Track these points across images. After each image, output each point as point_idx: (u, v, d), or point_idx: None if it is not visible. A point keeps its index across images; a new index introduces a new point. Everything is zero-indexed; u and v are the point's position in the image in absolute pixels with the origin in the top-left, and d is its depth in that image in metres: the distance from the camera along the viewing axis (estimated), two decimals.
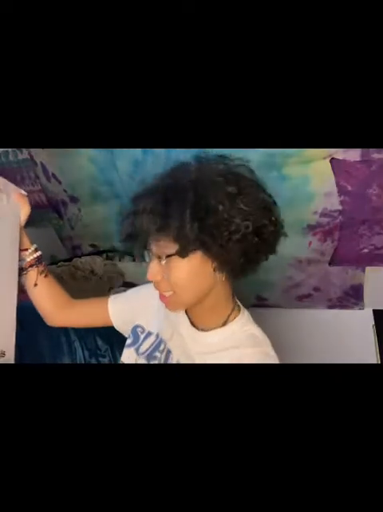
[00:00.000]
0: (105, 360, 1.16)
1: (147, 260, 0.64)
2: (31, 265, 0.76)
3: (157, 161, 1.34)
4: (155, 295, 0.68)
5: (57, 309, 0.81)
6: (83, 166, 1.36)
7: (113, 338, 1.12)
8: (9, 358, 0.69)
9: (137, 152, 1.32)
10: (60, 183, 1.51)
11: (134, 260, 1.61)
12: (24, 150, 1.37)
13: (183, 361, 0.68)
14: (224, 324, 0.67)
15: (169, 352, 0.71)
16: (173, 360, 0.69)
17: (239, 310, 0.69)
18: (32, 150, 1.35)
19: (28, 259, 0.76)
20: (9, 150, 1.38)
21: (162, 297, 0.64)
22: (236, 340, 0.65)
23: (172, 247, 0.57)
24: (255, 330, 0.67)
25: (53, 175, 1.39)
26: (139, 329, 0.76)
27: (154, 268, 0.61)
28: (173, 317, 0.72)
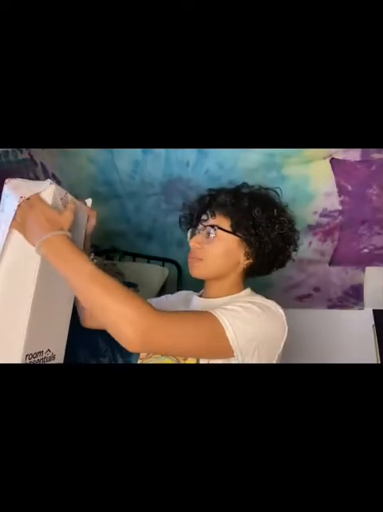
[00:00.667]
0: (105, 360, 1.16)
1: (188, 238, 0.81)
2: None
3: (157, 161, 1.34)
4: (180, 298, 0.88)
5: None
6: (83, 166, 1.36)
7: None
8: (60, 360, 0.72)
9: (137, 152, 1.32)
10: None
11: (134, 260, 1.61)
12: (24, 150, 1.37)
13: None
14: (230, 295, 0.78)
15: None
16: None
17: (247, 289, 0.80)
18: (32, 150, 1.35)
19: None
20: (9, 150, 1.38)
21: (192, 260, 0.77)
22: (237, 298, 0.75)
23: (226, 223, 0.75)
24: (260, 298, 0.73)
25: (53, 175, 1.39)
26: None
27: (199, 237, 0.78)
28: (190, 307, 0.83)
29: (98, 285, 0.58)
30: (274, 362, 0.68)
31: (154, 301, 0.91)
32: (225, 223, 0.76)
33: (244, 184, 0.82)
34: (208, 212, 0.78)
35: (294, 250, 0.81)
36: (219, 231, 0.75)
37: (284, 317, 0.70)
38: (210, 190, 0.83)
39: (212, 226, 0.76)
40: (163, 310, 0.60)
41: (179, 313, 0.65)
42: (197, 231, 0.80)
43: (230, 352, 0.61)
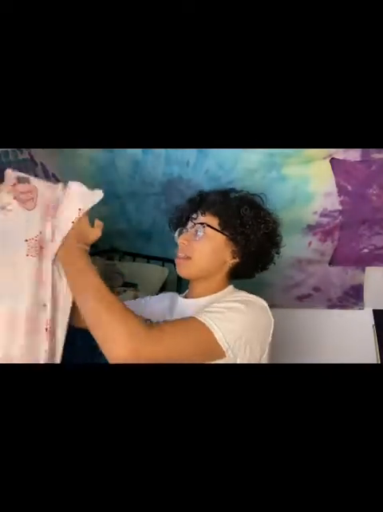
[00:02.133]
0: (105, 360, 1.16)
1: (176, 239, 0.82)
2: None
3: (157, 161, 1.34)
4: (164, 300, 0.87)
5: None
6: (83, 166, 1.36)
7: None
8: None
9: (137, 152, 1.32)
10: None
11: (134, 260, 1.61)
12: (24, 150, 1.37)
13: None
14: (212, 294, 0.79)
15: None
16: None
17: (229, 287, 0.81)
18: (32, 150, 1.35)
19: None
20: (9, 150, 1.38)
21: (179, 259, 0.78)
22: (220, 297, 0.76)
23: (214, 222, 0.77)
24: (242, 294, 0.74)
25: (53, 175, 1.39)
26: (147, 322, 0.84)
27: (187, 235, 0.79)
28: (175, 310, 0.83)
29: (100, 300, 0.59)
30: (266, 352, 0.69)
31: (133, 303, 0.91)
32: (213, 222, 0.78)
33: (232, 189, 0.84)
34: (198, 211, 0.80)
35: (277, 253, 0.84)
36: (208, 229, 0.77)
37: (267, 307, 0.71)
38: (200, 192, 0.86)
39: (202, 224, 0.77)
40: (153, 323, 0.61)
41: (167, 324, 0.65)
42: (185, 230, 0.82)
43: (222, 354, 0.62)
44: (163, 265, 1.61)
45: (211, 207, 0.79)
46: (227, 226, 0.77)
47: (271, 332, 0.70)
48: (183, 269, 0.79)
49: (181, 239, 0.79)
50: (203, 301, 0.77)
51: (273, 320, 0.71)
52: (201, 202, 0.82)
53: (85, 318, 0.60)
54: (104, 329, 0.56)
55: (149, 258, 1.63)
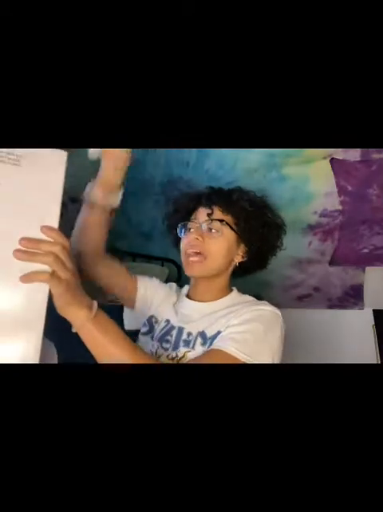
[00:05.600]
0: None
1: (180, 234, 0.79)
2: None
3: (157, 161, 1.35)
4: (170, 296, 0.85)
5: (97, 252, 0.79)
6: (83, 166, 1.36)
7: None
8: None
9: (137, 152, 1.32)
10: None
11: (134, 260, 1.61)
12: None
13: (189, 330, 0.73)
14: (219, 299, 0.77)
15: (181, 328, 0.75)
16: (184, 334, 0.74)
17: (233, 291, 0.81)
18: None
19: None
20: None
21: (191, 257, 0.74)
22: (231, 301, 0.76)
23: (231, 220, 0.75)
24: (254, 306, 0.72)
25: None
26: (153, 319, 0.82)
27: (200, 231, 0.74)
28: (180, 310, 0.81)
29: (122, 349, 0.57)
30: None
31: (148, 280, 0.88)
32: (230, 220, 0.75)
33: (239, 188, 0.82)
34: (214, 207, 0.75)
35: (274, 255, 0.84)
36: (225, 227, 0.74)
37: (280, 316, 0.70)
38: (209, 187, 0.82)
39: (220, 221, 0.74)
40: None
41: (199, 362, 0.63)
42: (195, 225, 0.75)
43: None
44: (163, 265, 1.61)
45: (229, 205, 0.76)
46: (247, 228, 0.75)
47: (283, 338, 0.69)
48: (197, 269, 0.74)
49: (193, 235, 0.73)
50: (209, 307, 0.76)
51: (284, 326, 0.69)
52: (214, 197, 0.77)
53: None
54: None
55: (149, 258, 1.63)
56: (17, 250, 0.48)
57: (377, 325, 1.78)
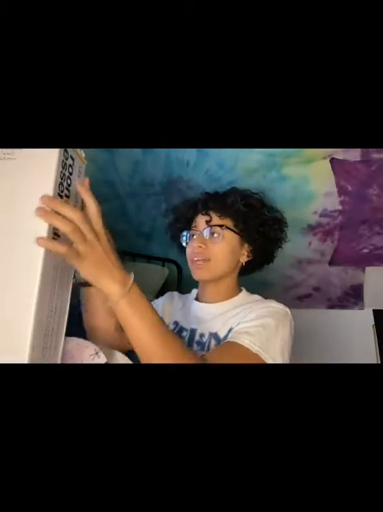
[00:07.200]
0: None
1: (184, 242, 0.81)
2: None
3: (157, 161, 1.35)
4: (172, 302, 0.87)
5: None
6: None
7: None
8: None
9: (137, 152, 1.32)
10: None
11: (134, 260, 1.61)
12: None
13: (202, 331, 0.75)
14: (228, 299, 0.79)
15: (193, 330, 0.77)
16: (197, 335, 0.76)
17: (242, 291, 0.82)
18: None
19: None
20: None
21: (196, 262, 0.76)
22: (241, 301, 0.77)
23: (231, 223, 0.76)
24: (263, 303, 0.74)
25: None
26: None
27: (202, 239, 0.76)
28: (190, 313, 0.82)
29: (155, 337, 0.56)
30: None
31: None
32: (229, 223, 0.77)
33: (234, 188, 0.83)
34: (210, 213, 0.77)
35: (280, 247, 0.86)
36: (226, 231, 0.76)
37: (288, 311, 0.72)
38: (205, 192, 0.84)
39: (220, 226, 0.76)
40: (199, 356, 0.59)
41: (215, 354, 0.64)
42: (195, 233, 0.78)
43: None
44: (163, 265, 1.61)
45: (225, 209, 0.77)
46: (246, 228, 0.77)
47: (293, 333, 0.72)
48: (203, 272, 0.76)
49: (196, 243, 0.75)
50: (220, 307, 0.77)
51: (293, 323, 0.72)
52: (209, 203, 0.79)
53: (138, 352, 0.57)
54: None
55: (149, 258, 1.63)
56: (40, 208, 0.46)
57: (377, 325, 1.78)
